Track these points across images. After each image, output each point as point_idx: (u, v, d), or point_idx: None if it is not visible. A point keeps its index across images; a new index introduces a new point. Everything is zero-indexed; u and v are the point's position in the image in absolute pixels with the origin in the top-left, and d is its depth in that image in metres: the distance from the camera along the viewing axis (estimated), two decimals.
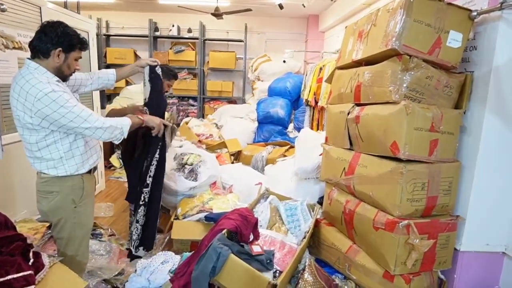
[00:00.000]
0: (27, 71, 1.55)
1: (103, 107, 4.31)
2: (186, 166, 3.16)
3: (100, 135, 1.62)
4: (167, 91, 3.01)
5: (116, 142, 1.75)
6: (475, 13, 1.69)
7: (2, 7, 2.24)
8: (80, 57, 1.71)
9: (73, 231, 1.74)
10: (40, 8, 2.72)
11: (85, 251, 1.84)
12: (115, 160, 5.31)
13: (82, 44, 1.67)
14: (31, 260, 1.43)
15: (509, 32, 1.64)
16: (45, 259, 1.50)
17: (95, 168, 1.86)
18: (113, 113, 2.49)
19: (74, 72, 1.74)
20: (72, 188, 1.71)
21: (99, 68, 5.10)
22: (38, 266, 1.39)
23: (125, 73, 2.17)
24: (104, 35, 6.49)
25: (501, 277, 1.87)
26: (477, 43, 1.78)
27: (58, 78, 1.62)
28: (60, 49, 1.58)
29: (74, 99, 1.60)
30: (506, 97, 1.70)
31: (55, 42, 1.56)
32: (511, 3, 1.54)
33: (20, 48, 1.91)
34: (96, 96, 3.79)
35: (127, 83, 6.38)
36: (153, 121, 1.97)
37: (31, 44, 1.58)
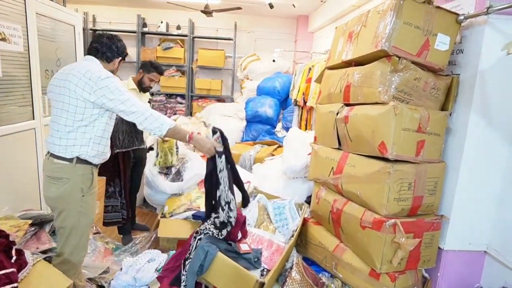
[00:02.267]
0: (92, 62, 1.82)
1: None
2: (171, 168, 3.15)
3: (141, 121, 1.75)
4: (150, 87, 2.92)
5: (156, 135, 1.91)
6: (462, 17, 1.73)
7: None
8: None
9: (78, 220, 1.77)
10: (25, 0, 2.65)
11: (85, 242, 1.87)
12: None
13: (126, 55, 2.02)
14: (14, 258, 1.39)
15: (495, 36, 1.69)
16: (28, 256, 1.46)
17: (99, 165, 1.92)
18: None
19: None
20: (83, 177, 1.76)
21: None
22: (21, 263, 1.35)
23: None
24: (91, 29, 6.37)
25: (482, 275, 1.92)
26: (463, 47, 1.82)
27: None
28: (121, 58, 1.94)
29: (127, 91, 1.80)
30: (491, 100, 1.74)
31: (120, 53, 1.92)
32: (497, 8, 1.58)
33: (3, 39, 1.85)
34: None
35: None
36: (203, 145, 1.97)
37: (96, 48, 1.85)
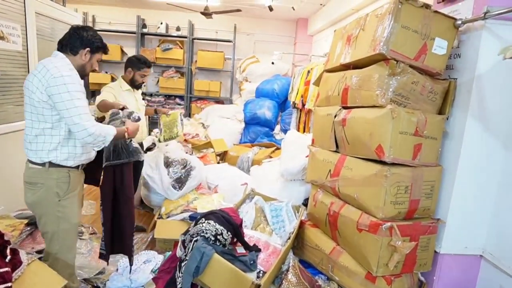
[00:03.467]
0: (55, 58, 1.70)
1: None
2: (185, 182, 3.05)
3: (83, 137, 1.63)
4: (142, 82, 2.86)
5: (96, 149, 1.81)
6: (459, 22, 1.74)
7: None
8: (101, 59, 1.91)
9: (57, 225, 1.71)
10: None
11: (71, 246, 1.80)
12: None
13: (105, 48, 1.90)
14: (8, 257, 1.38)
15: (492, 41, 1.69)
16: (23, 256, 1.45)
17: (83, 165, 1.83)
18: (102, 105, 2.41)
19: (92, 71, 1.80)
20: (57, 181, 1.69)
21: None
22: (15, 263, 1.35)
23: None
24: None
25: (478, 279, 1.93)
26: (461, 51, 1.83)
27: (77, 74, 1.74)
28: (88, 49, 1.77)
29: (84, 96, 1.68)
30: (488, 104, 1.75)
31: (86, 43, 1.76)
32: (494, 13, 1.59)
33: (2, 38, 1.84)
34: None
35: (113, 79, 6.28)
36: (134, 131, 1.90)
37: (62, 40, 1.75)
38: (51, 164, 1.67)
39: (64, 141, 1.68)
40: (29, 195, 1.69)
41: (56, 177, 1.69)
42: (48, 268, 1.46)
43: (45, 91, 1.58)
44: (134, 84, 2.80)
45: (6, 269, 1.28)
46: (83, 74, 1.80)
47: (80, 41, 1.74)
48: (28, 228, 2.09)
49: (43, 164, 1.67)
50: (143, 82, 2.86)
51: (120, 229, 1.99)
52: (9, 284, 1.25)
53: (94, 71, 1.83)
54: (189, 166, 3.10)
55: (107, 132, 1.69)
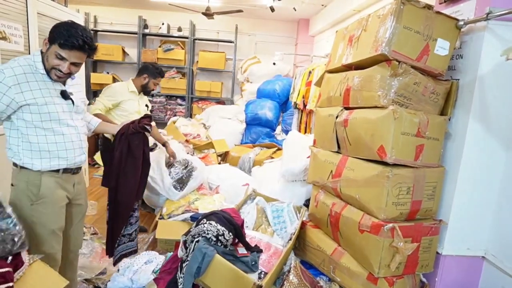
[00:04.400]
0: (26, 55, 1.63)
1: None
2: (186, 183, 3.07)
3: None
4: (153, 89, 2.99)
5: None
6: (462, 23, 1.73)
7: None
8: (63, 58, 1.59)
9: (33, 230, 1.65)
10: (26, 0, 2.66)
11: (51, 251, 1.70)
12: (99, 158, 5.21)
13: (63, 41, 1.55)
14: (10, 257, 1.38)
15: (494, 42, 1.69)
16: (25, 256, 1.45)
17: (70, 170, 1.75)
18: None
19: (61, 72, 1.62)
20: (27, 184, 1.63)
21: (86, 64, 5.00)
22: (17, 263, 1.35)
23: (104, 130, 2.16)
24: (92, 30, 6.37)
25: (480, 280, 1.92)
26: (463, 52, 1.82)
27: (45, 72, 1.62)
28: (46, 39, 1.60)
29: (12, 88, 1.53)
30: (490, 105, 1.75)
31: (51, 38, 1.59)
32: (496, 14, 1.58)
33: (4, 38, 1.85)
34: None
35: (114, 80, 6.29)
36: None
37: None
38: (22, 166, 1.63)
39: (24, 144, 1.61)
40: (10, 196, 1.67)
41: (26, 180, 1.63)
42: (50, 268, 1.46)
43: None
44: (146, 90, 2.91)
45: (8, 269, 1.28)
46: (45, 67, 1.62)
47: (49, 34, 1.61)
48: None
49: (15, 165, 1.64)
50: (154, 89, 2.97)
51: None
52: (11, 284, 1.25)
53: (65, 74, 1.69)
54: (191, 167, 3.11)
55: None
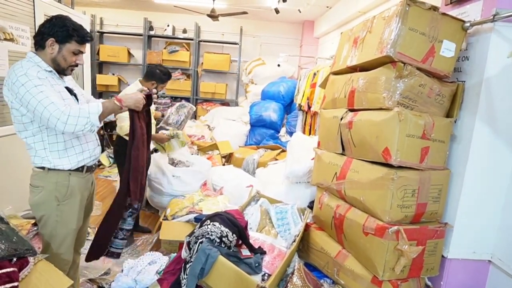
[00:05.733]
0: (24, 60, 1.60)
1: None
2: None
3: (62, 128, 1.50)
4: (160, 90, 3.00)
5: (87, 132, 1.60)
6: (468, 24, 1.72)
7: None
8: (81, 52, 1.67)
9: (55, 229, 1.69)
10: (33, 1, 2.68)
11: (67, 251, 1.76)
12: (104, 158, 5.25)
13: (81, 37, 1.62)
14: (15, 258, 1.39)
15: (501, 44, 1.68)
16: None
17: (90, 168, 1.79)
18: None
19: (75, 66, 1.70)
20: (56, 185, 1.67)
21: (91, 66, 5.04)
22: (22, 263, 1.36)
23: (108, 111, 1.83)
24: (98, 32, 6.42)
25: (486, 284, 1.90)
26: (469, 54, 1.81)
27: (51, 69, 1.63)
28: (52, 39, 1.59)
29: (48, 89, 1.53)
30: (496, 107, 1.73)
31: (48, 32, 1.58)
32: (503, 15, 1.57)
33: (11, 40, 1.87)
34: (87, 92, 3.74)
35: (119, 81, 6.33)
36: (132, 99, 1.73)
37: (34, 37, 1.62)
38: (50, 168, 1.65)
39: (50, 146, 1.63)
40: (31, 197, 1.69)
41: (55, 181, 1.67)
42: (54, 268, 1.47)
43: (15, 100, 1.53)
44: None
45: (13, 269, 1.29)
46: (59, 69, 1.66)
47: (44, 30, 1.59)
48: (35, 228, 2.10)
49: (42, 168, 1.66)
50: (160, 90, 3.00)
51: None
52: (16, 284, 1.26)
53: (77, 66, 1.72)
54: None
55: (88, 111, 1.53)
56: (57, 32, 1.58)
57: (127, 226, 2.02)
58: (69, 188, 1.69)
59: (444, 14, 1.70)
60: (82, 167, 1.74)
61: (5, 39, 1.78)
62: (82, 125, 1.52)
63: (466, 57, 1.83)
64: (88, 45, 3.62)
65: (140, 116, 1.90)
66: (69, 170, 1.68)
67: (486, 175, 1.80)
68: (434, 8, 1.67)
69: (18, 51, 2.46)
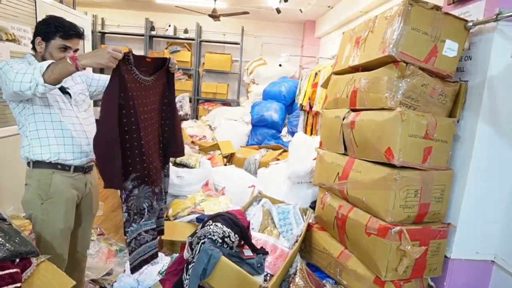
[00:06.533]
0: (19, 58, 1.68)
1: None
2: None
3: (11, 86, 1.44)
4: None
5: (28, 92, 1.45)
6: (471, 24, 1.71)
7: None
8: (69, 47, 1.66)
9: (42, 228, 1.70)
10: (35, 2, 2.69)
11: (58, 250, 1.73)
12: None
13: (65, 32, 1.62)
14: (17, 259, 1.39)
15: (504, 43, 1.67)
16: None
17: (80, 168, 1.77)
18: None
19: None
20: (39, 183, 1.67)
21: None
22: (25, 264, 1.36)
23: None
24: (99, 32, 6.44)
25: (489, 285, 1.89)
26: (472, 53, 1.80)
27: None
28: (39, 38, 1.64)
29: (20, 64, 1.53)
30: (499, 107, 1.72)
31: (36, 32, 1.64)
32: (506, 15, 1.56)
33: (13, 41, 1.88)
34: None
35: None
36: (93, 54, 1.47)
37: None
38: (34, 164, 1.67)
39: (33, 141, 1.66)
40: (23, 195, 1.73)
41: (38, 179, 1.67)
42: (57, 268, 1.47)
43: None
44: None
45: (16, 270, 1.29)
46: None
47: (34, 34, 1.66)
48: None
49: (28, 164, 1.69)
50: None
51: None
52: (19, 285, 1.26)
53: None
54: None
55: (34, 68, 1.45)
56: (42, 30, 1.63)
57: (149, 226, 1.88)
58: (51, 187, 1.68)
59: (446, 13, 1.70)
60: (69, 166, 1.72)
61: (7, 40, 1.79)
62: (27, 82, 1.42)
63: (469, 56, 1.82)
64: (89, 45, 3.63)
65: (144, 85, 1.64)
66: (50, 162, 1.67)
67: (489, 174, 1.79)
68: (437, 8, 1.66)
69: (20, 52, 2.47)
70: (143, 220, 1.80)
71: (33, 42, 1.66)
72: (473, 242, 1.85)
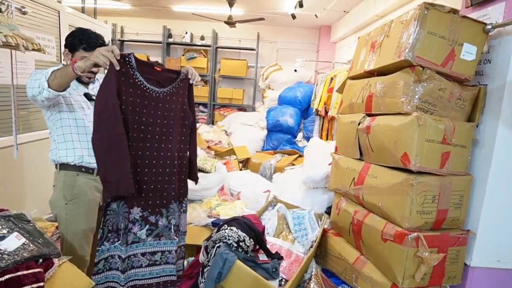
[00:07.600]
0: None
1: None
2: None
3: (28, 93, 1.57)
4: None
5: (38, 97, 1.55)
6: (489, 27, 1.68)
7: (23, 10, 2.31)
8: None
9: (66, 228, 1.78)
10: (59, 12, 2.80)
11: (79, 250, 1.79)
12: None
13: (87, 45, 1.71)
14: (41, 260, 1.44)
15: None
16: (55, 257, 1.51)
17: None
18: None
19: (91, 73, 1.81)
20: (64, 184, 1.76)
21: None
22: (48, 264, 1.40)
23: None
24: (119, 40, 6.62)
25: None
26: (491, 57, 1.77)
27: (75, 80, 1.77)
28: (66, 50, 1.76)
29: (42, 71, 1.59)
30: None
31: (64, 45, 1.76)
32: None
33: (38, 50, 1.96)
34: None
35: None
36: (89, 58, 1.45)
37: None
38: (61, 166, 1.76)
39: (58, 138, 1.75)
40: (51, 196, 1.82)
41: (63, 180, 1.76)
42: (78, 269, 1.52)
43: None
44: None
45: (39, 269, 1.33)
46: (78, 78, 1.70)
47: (65, 44, 1.77)
48: (58, 231, 2.17)
49: (56, 167, 1.79)
50: None
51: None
52: (42, 284, 1.31)
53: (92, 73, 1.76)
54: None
55: (42, 74, 1.53)
56: (68, 42, 1.75)
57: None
58: (75, 188, 1.76)
59: (464, 16, 1.67)
60: (93, 169, 1.80)
61: (33, 49, 1.88)
62: (36, 88, 1.53)
63: (488, 60, 1.79)
64: None
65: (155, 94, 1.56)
66: (74, 165, 1.75)
67: (510, 180, 1.74)
68: (454, 11, 1.64)
69: (44, 60, 2.57)
70: (119, 242, 1.63)
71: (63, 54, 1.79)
72: (494, 250, 1.80)
